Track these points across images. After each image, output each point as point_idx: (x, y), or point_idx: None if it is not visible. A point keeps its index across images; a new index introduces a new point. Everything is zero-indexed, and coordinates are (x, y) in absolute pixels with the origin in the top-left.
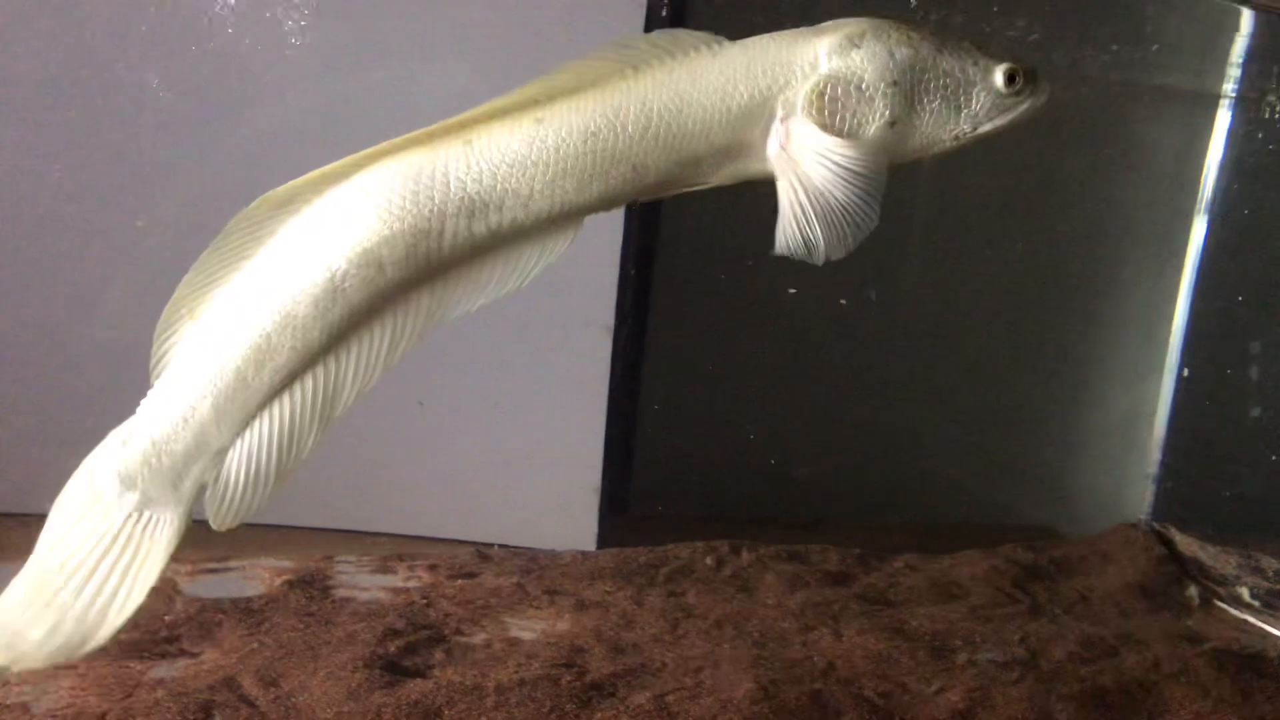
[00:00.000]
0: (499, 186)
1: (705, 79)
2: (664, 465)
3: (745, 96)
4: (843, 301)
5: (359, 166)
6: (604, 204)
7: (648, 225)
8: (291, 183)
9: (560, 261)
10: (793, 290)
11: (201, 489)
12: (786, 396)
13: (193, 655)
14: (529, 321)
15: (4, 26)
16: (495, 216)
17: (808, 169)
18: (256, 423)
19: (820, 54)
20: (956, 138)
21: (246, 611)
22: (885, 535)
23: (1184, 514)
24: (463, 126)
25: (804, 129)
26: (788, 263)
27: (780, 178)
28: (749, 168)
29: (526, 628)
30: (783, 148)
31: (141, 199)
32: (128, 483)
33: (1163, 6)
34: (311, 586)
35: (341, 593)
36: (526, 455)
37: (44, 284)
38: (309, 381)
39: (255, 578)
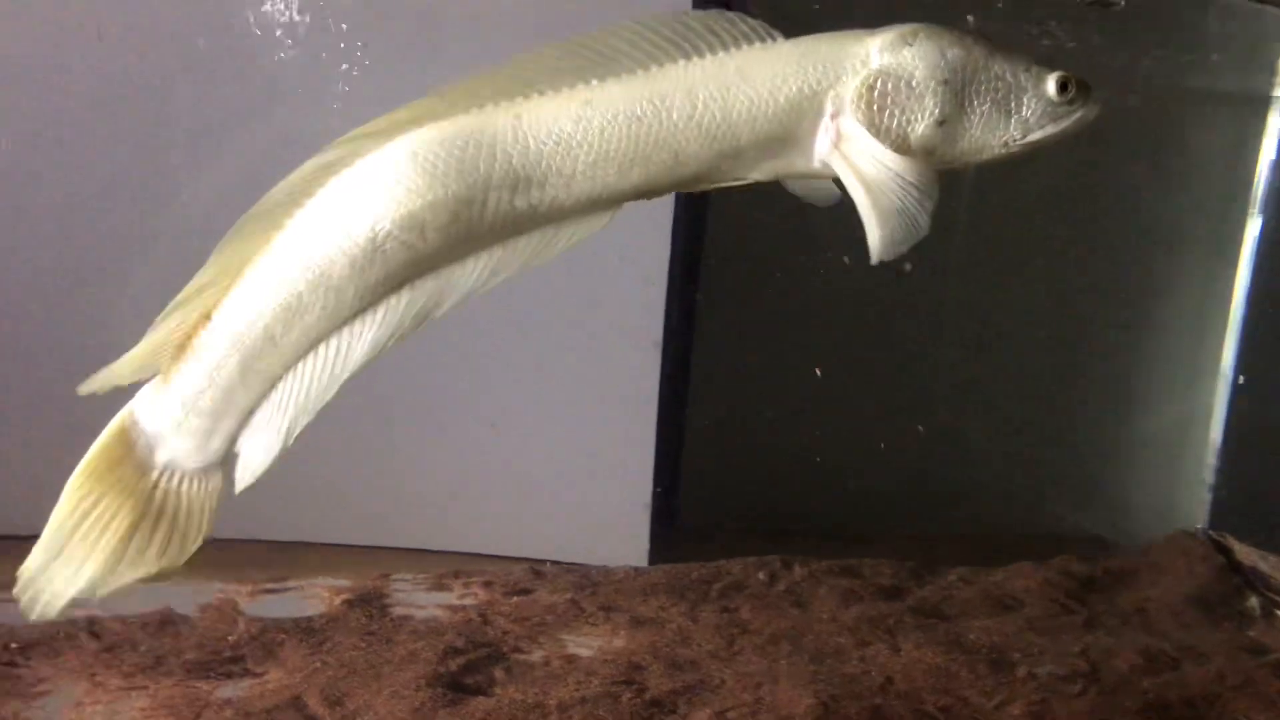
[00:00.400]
0: (544, 164)
1: (755, 71)
2: (713, 479)
3: (794, 89)
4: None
5: (404, 126)
6: (644, 191)
7: (693, 239)
8: (341, 140)
9: (608, 278)
10: (836, 267)
11: (232, 447)
12: (834, 408)
13: (257, 675)
14: (578, 338)
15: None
16: (537, 193)
17: (858, 169)
18: (283, 383)
19: (872, 51)
20: (1006, 144)
21: (308, 631)
22: (935, 546)
23: (1242, 523)
24: (512, 95)
25: (855, 129)
26: (833, 274)
27: (843, 177)
28: (793, 164)
29: (583, 644)
30: (835, 147)
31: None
32: (157, 440)
33: (1211, 12)
34: (370, 605)
35: (400, 611)
36: (578, 471)
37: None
38: (333, 343)
39: (314, 597)
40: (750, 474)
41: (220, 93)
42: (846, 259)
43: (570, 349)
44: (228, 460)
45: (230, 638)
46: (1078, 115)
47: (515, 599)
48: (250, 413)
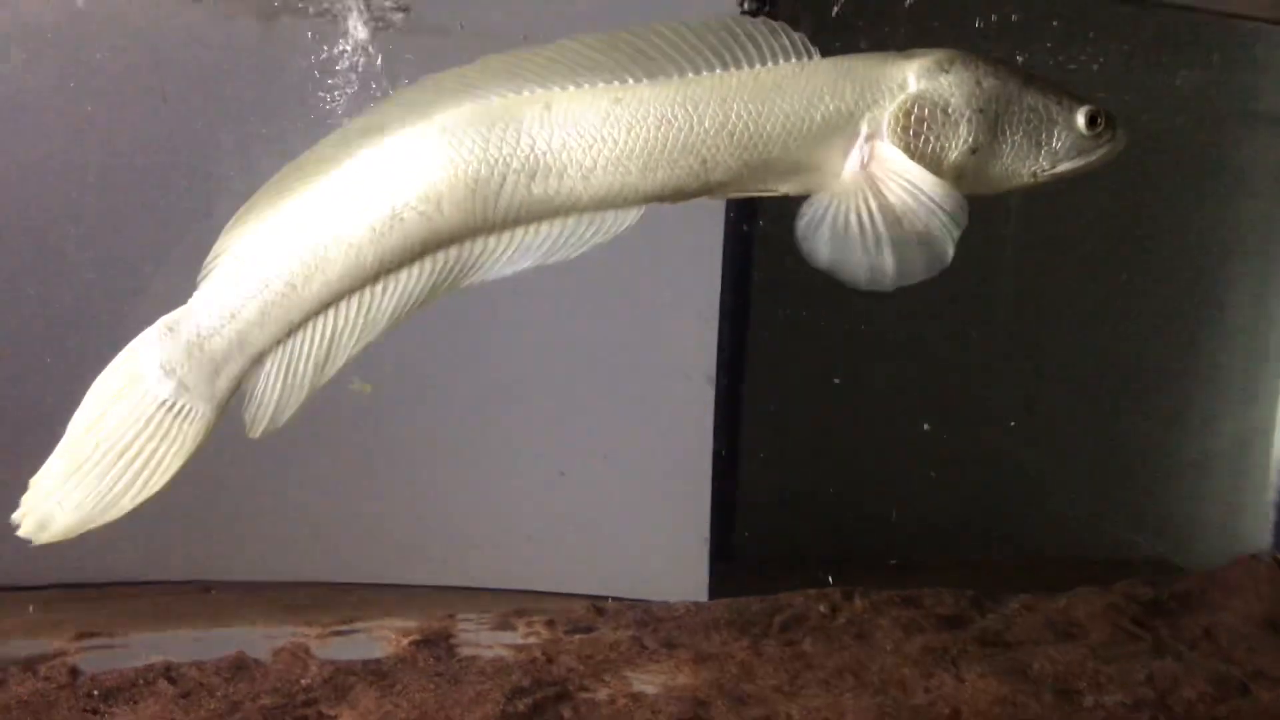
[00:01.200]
0: (565, 154)
1: (791, 87)
2: (770, 511)
3: (830, 109)
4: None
5: (446, 94)
6: (666, 193)
7: (742, 274)
8: (380, 106)
9: (660, 315)
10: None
11: (235, 389)
12: (887, 436)
13: (331, 719)
14: (631, 374)
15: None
16: (554, 183)
17: (887, 191)
18: (299, 334)
19: (910, 76)
20: (1034, 174)
21: (378, 673)
22: (994, 574)
23: None
24: (550, 79)
25: (890, 151)
26: (884, 302)
27: (852, 196)
28: (821, 181)
29: (648, 681)
30: (863, 166)
31: None
32: (167, 369)
33: (1260, 38)
34: (437, 646)
35: (466, 651)
36: (635, 507)
37: None
38: (353, 303)
39: (382, 639)
40: (806, 505)
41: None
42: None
43: (625, 387)
44: (226, 402)
45: (303, 681)
46: (1104, 150)
47: (578, 637)
48: (263, 357)
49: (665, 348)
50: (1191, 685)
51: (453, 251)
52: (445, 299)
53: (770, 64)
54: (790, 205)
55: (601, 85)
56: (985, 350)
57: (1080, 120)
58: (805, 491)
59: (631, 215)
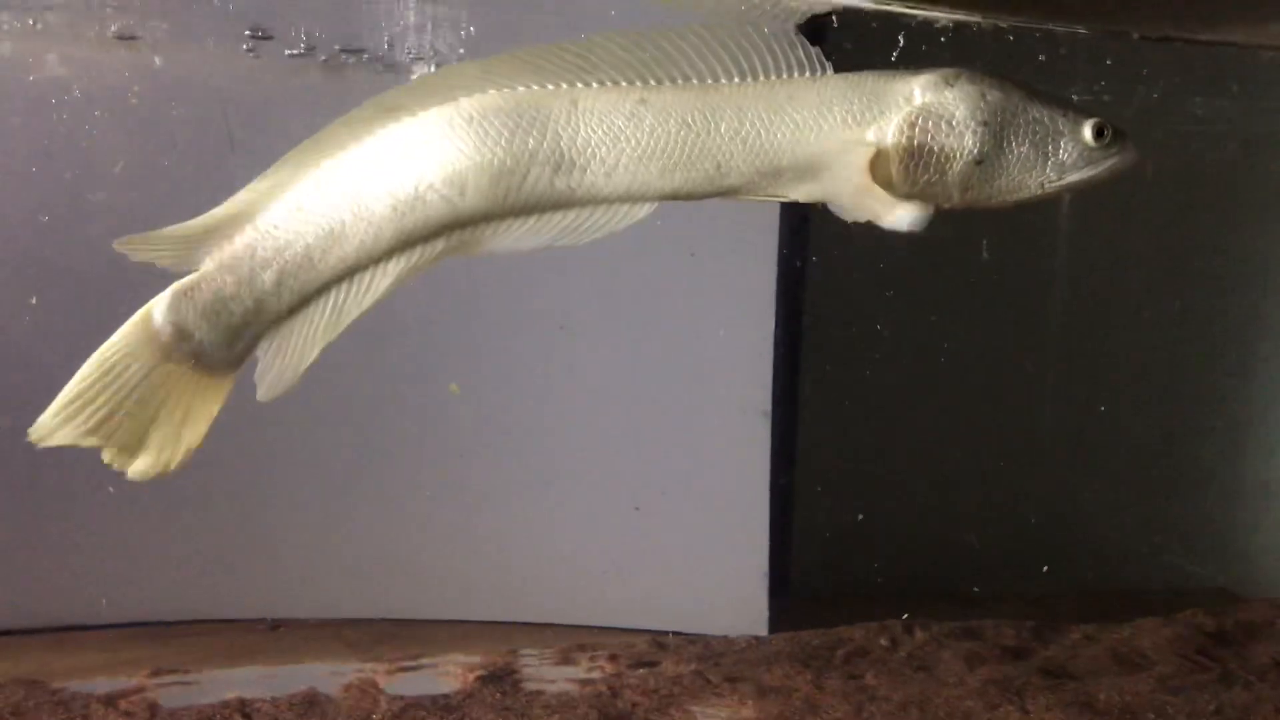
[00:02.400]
0: (590, 150)
1: (803, 97)
2: (827, 544)
3: (838, 118)
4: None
5: (470, 82)
6: (682, 194)
7: (794, 307)
8: (403, 87)
9: (714, 351)
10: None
11: (250, 354)
12: (943, 467)
13: None
14: (687, 410)
15: None
16: (578, 177)
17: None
18: (312, 302)
19: (916, 89)
20: (1042, 185)
21: (446, 709)
22: (1055, 604)
23: None
24: (575, 75)
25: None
26: (937, 332)
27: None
28: (831, 190)
29: (712, 715)
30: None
31: None
32: (183, 334)
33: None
34: (503, 681)
35: (531, 686)
36: (693, 542)
37: None
38: (366, 276)
39: (448, 674)
40: (863, 538)
41: None
42: (936, 319)
43: (681, 422)
44: (240, 365)
45: (374, 716)
46: (1113, 161)
47: (641, 671)
48: (279, 322)
49: (720, 383)
50: (1261, 715)
51: (466, 231)
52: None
53: (785, 75)
54: (841, 241)
55: (625, 85)
56: (1040, 378)
57: (1087, 132)
58: (862, 524)
59: (644, 210)
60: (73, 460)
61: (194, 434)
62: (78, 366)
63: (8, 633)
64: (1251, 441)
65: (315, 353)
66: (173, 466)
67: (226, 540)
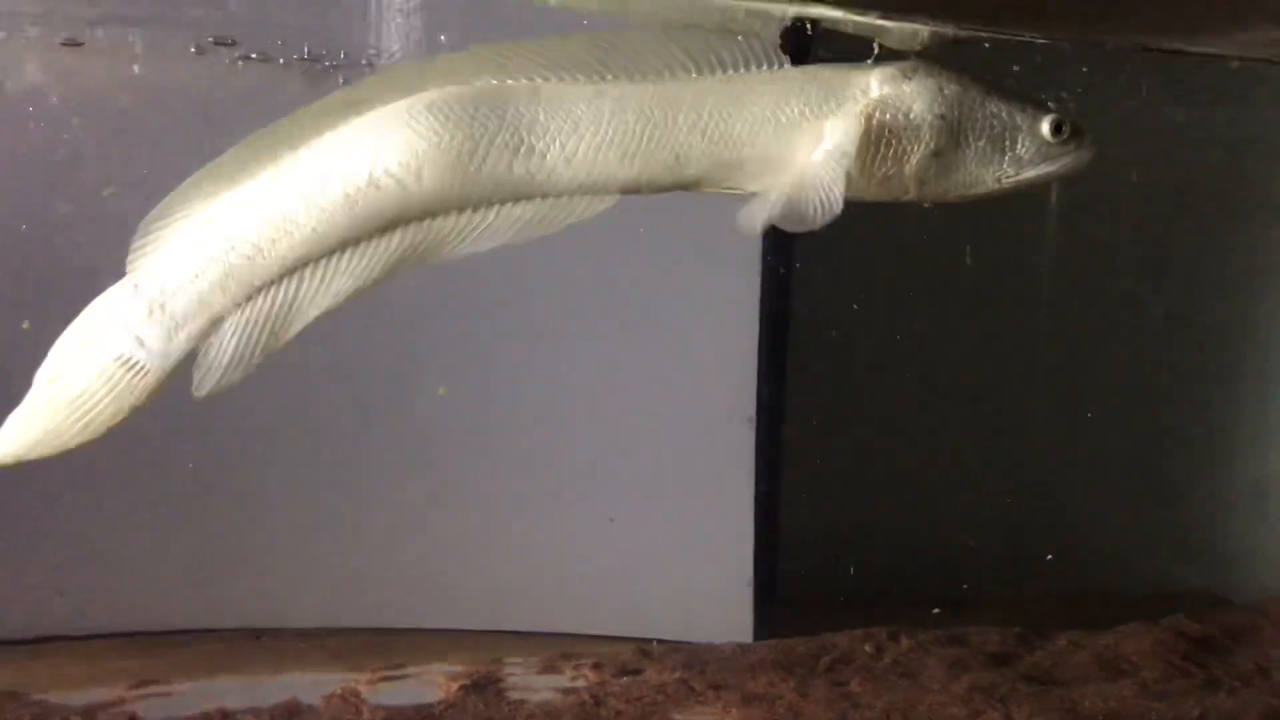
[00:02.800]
0: (549, 135)
1: (761, 90)
2: (812, 550)
3: (795, 111)
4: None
5: (434, 77)
6: (642, 184)
7: (779, 313)
8: (369, 80)
9: (698, 358)
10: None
11: (191, 348)
12: (929, 473)
13: None
14: (672, 416)
15: None
16: (537, 162)
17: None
18: (259, 297)
19: (873, 82)
20: (999, 180)
21: (429, 718)
22: (1039, 610)
23: None
24: (535, 70)
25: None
26: (923, 337)
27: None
28: (791, 182)
29: None
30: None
31: None
32: (127, 327)
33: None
34: (486, 690)
35: (515, 695)
36: (678, 549)
37: None
38: (317, 271)
39: (431, 684)
40: (849, 545)
41: None
42: (922, 324)
43: (665, 430)
44: (179, 360)
45: None
46: (1071, 157)
47: (625, 679)
48: (222, 319)
49: (704, 389)
50: None
51: (423, 225)
52: (476, 340)
53: (744, 69)
54: (825, 247)
55: (584, 77)
56: (1025, 383)
57: (1045, 128)
58: (847, 531)
59: (605, 203)
60: (54, 469)
61: (102, 424)
62: None
63: None
64: (1239, 445)
65: (263, 349)
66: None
67: (209, 550)
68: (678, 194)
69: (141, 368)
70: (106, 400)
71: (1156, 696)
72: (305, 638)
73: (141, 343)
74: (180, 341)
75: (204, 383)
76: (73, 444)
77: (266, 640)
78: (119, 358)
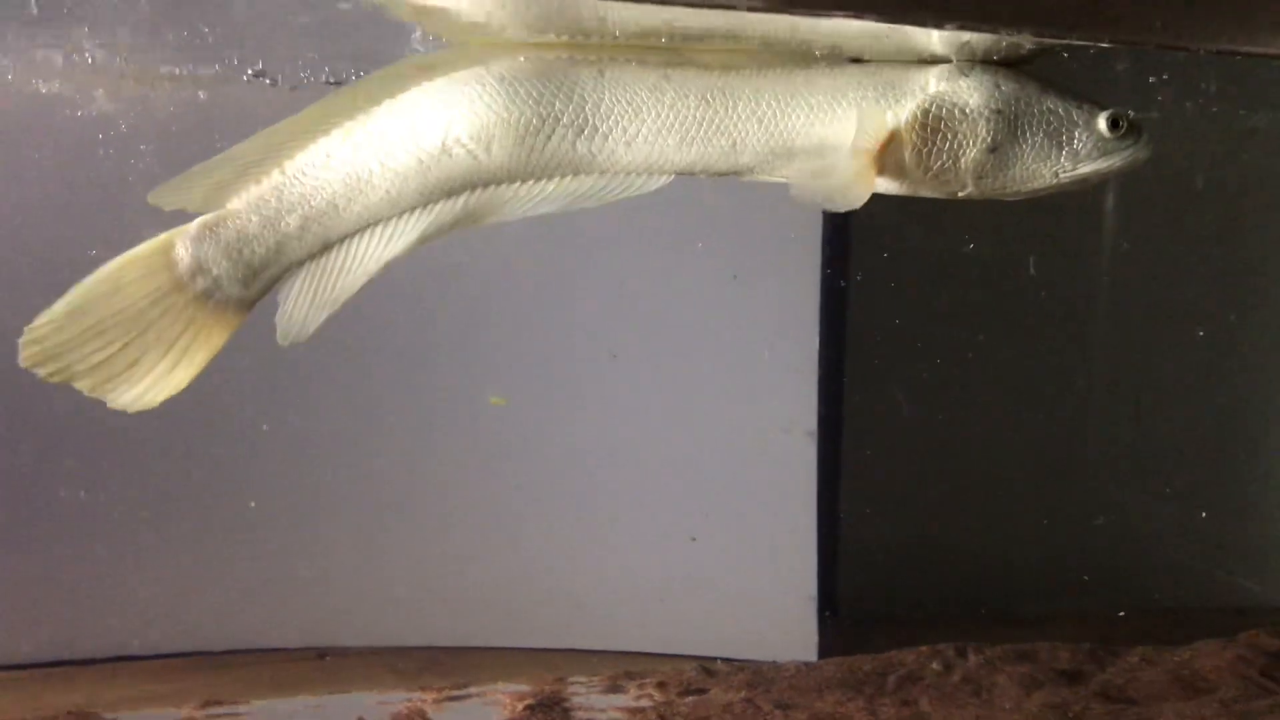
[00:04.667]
0: (612, 118)
1: (819, 82)
2: (876, 565)
3: (853, 103)
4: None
5: (498, 54)
6: (697, 168)
7: (837, 325)
8: (438, 53)
9: (757, 371)
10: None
11: (261, 296)
12: (992, 485)
13: None
14: (732, 432)
15: None
16: (599, 143)
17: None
18: (334, 251)
19: (931, 78)
20: (1056, 174)
21: None
22: (1109, 626)
23: None
24: (602, 50)
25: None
26: (982, 349)
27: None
28: (837, 174)
29: None
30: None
31: None
32: (203, 267)
33: None
34: (552, 711)
35: (580, 714)
36: (740, 566)
37: None
38: (386, 228)
39: (496, 703)
40: (912, 559)
41: None
42: (982, 336)
43: (725, 444)
44: (253, 306)
45: None
46: (1129, 152)
47: (690, 699)
48: (298, 266)
49: (765, 404)
50: None
51: (487, 190)
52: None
53: (805, 65)
54: (884, 259)
55: (651, 61)
56: (1089, 393)
57: (1102, 123)
58: (910, 544)
59: (661, 180)
60: (119, 488)
61: (185, 374)
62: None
63: (58, 664)
64: None
65: (336, 302)
66: (156, 403)
67: (274, 570)
68: (738, 210)
69: (219, 309)
70: (187, 342)
71: (1237, 715)
72: (370, 657)
73: (219, 285)
74: (256, 288)
75: (285, 332)
76: (151, 399)
77: (331, 660)
78: (196, 296)
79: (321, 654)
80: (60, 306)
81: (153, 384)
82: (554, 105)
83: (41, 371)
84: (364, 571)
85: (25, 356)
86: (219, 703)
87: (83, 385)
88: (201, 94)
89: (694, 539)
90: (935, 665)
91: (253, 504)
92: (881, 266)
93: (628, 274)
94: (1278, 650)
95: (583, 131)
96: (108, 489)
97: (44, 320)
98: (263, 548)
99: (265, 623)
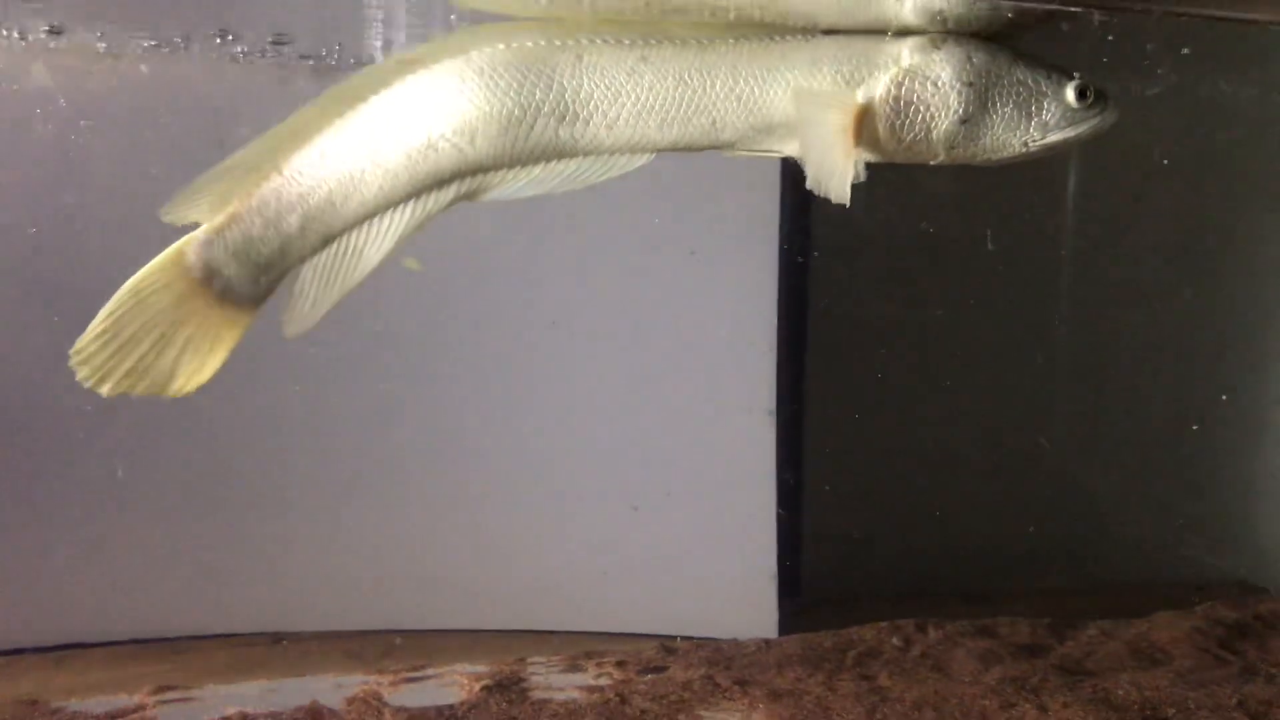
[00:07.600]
0: (592, 103)
1: (795, 56)
2: (836, 543)
3: (827, 77)
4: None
5: (479, 44)
6: (680, 147)
7: (798, 303)
8: (422, 46)
9: (717, 349)
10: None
11: (272, 291)
12: (953, 463)
13: None
14: (691, 410)
15: None
16: (580, 128)
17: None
18: (332, 245)
19: (904, 51)
20: (1025, 144)
21: (452, 719)
22: (1069, 601)
23: None
24: (579, 31)
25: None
26: (944, 326)
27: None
28: (814, 147)
29: None
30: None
31: None
32: (213, 271)
33: None
34: (509, 690)
35: (538, 694)
36: (700, 545)
37: None
38: (382, 220)
39: (453, 684)
40: (872, 537)
41: None
42: (942, 313)
43: (684, 423)
44: (265, 300)
45: None
46: (1095, 120)
47: (650, 677)
48: (303, 261)
49: (724, 382)
50: None
51: (475, 177)
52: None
53: (780, 36)
54: (844, 235)
55: (628, 41)
56: (1051, 371)
57: (1069, 93)
58: (871, 522)
59: (641, 160)
60: (72, 474)
61: (215, 364)
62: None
63: (7, 652)
64: (1269, 431)
65: (339, 293)
66: (186, 391)
67: (228, 553)
68: (696, 184)
69: (233, 307)
70: (205, 343)
71: (1193, 685)
72: (325, 640)
73: (230, 288)
74: (266, 284)
75: (293, 324)
76: (197, 383)
77: (286, 644)
78: (210, 300)
79: (277, 638)
80: (93, 328)
81: (188, 379)
82: (534, 95)
83: (104, 390)
84: (320, 555)
85: (81, 377)
86: (172, 689)
87: (139, 390)
88: (144, 68)
89: (636, 508)
90: (895, 641)
91: (206, 488)
92: (842, 242)
93: (584, 250)
94: (1235, 621)
95: (564, 118)
96: (58, 477)
97: (84, 342)
98: (217, 531)
99: (220, 608)
